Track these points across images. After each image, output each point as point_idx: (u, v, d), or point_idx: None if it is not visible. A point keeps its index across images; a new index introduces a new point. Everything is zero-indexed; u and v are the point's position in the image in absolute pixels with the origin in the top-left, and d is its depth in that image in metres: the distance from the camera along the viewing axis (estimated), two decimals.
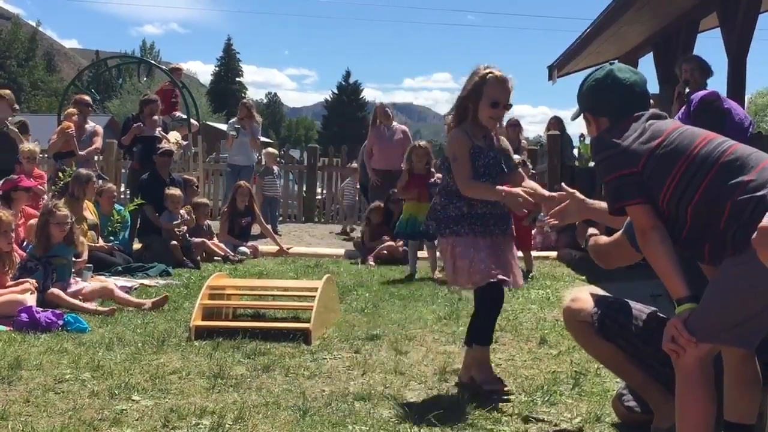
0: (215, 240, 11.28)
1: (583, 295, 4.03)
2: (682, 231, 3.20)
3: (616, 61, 3.64)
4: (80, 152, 11.75)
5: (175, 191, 10.65)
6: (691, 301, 3.10)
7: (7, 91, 11.93)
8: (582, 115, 3.67)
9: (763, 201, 2.97)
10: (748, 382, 3.35)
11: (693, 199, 3.14)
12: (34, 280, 7.07)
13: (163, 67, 17.00)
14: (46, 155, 13.00)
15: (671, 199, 3.19)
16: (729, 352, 3.29)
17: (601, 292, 4.14)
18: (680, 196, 3.17)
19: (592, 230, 4.21)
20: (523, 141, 14.27)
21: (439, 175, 9.52)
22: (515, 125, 14.20)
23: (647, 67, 13.45)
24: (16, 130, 11.21)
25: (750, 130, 3.93)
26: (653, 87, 11.98)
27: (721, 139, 3.27)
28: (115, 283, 8.28)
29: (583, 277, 9.41)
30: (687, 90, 7.17)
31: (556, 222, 4.07)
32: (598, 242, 4.15)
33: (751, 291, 2.97)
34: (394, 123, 13.04)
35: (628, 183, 3.26)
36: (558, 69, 15.50)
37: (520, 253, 9.76)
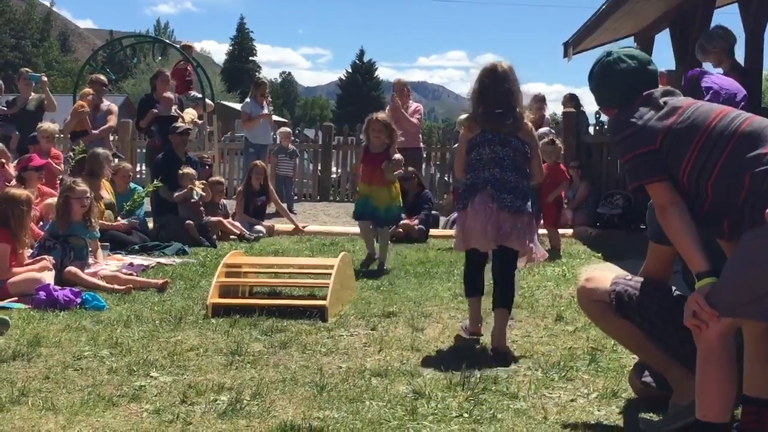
0: (230, 219, 11.30)
1: (597, 274, 4.03)
2: (702, 205, 3.20)
3: (614, 49, 3.66)
4: (93, 131, 11.81)
5: (189, 170, 10.65)
6: (712, 276, 3.10)
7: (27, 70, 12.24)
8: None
9: None
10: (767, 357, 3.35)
11: (713, 173, 3.14)
12: (51, 257, 7.11)
13: (177, 46, 16.97)
14: (61, 135, 13.17)
15: (691, 174, 3.19)
16: (748, 327, 3.29)
17: (617, 269, 4.14)
18: (700, 170, 3.17)
19: None
20: (546, 116, 14.16)
21: (399, 156, 8.75)
22: (540, 100, 14.10)
23: (664, 44, 13.35)
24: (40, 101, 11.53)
25: (743, 103, 3.92)
26: (669, 64, 11.91)
27: (736, 112, 3.28)
28: (131, 261, 8.32)
29: (599, 254, 9.40)
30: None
31: None
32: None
33: None
34: (410, 101, 13.04)
35: (646, 161, 3.27)
36: (573, 46, 15.35)
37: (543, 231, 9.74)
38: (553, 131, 12.17)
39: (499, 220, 5.16)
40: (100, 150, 10.08)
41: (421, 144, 14.03)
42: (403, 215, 10.63)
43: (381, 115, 8.54)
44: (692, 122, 3.24)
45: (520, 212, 5.18)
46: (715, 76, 4.06)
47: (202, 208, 10.54)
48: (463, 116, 5.45)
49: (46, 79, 12.67)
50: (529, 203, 5.27)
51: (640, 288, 3.86)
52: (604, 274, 4.00)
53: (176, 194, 10.43)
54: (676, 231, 3.22)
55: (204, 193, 10.64)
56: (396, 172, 8.69)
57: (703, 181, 3.17)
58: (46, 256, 7.10)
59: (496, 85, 5.27)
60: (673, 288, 3.93)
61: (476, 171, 5.31)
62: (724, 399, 3.15)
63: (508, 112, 5.28)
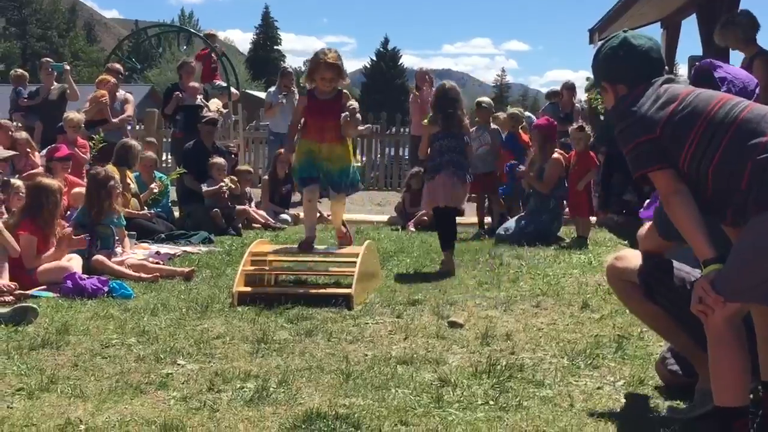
0: (256, 207, 11.33)
1: (629, 253, 4.02)
2: (705, 192, 3.19)
3: (628, 29, 3.64)
4: (113, 119, 11.84)
5: (219, 160, 10.69)
6: (718, 262, 3.11)
7: (49, 59, 12.33)
8: (598, 85, 3.68)
9: None
10: None
11: (712, 160, 3.14)
12: (87, 236, 7.13)
13: (201, 35, 17.01)
14: None
15: (692, 162, 3.19)
16: (758, 313, 3.29)
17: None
18: (700, 158, 3.16)
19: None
20: (576, 104, 14.06)
21: (354, 104, 7.63)
22: (570, 88, 14.02)
23: (691, 30, 13.22)
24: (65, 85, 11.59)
25: (756, 91, 3.88)
26: (696, 50, 11.79)
27: (737, 99, 3.27)
28: (158, 250, 8.37)
29: (625, 242, 9.34)
30: None
31: None
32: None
33: None
34: (432, 88, 13.01)
35: (647, 150, 3.27)
36: (599, 32, 15.24)
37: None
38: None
39: (456, 188, 7.69)
40: (133, 141, 10.14)
41: None
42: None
43: (332, 55, 6.79)
44: (692, 109, 3.23)
45: (467, 182, 7.87)
46: (726, 66, 4.00)
47: (230, 199, 10.56)
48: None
49: (68, 67, 12.74)
50: (469, 175, 7.92)
51: (670, 272, 3.84)
52: (635, 253, 3.98)
53: (205, 190, 10.46)
54: (681, 219, 3.21)
55: (233, 186, 10.66)
56: (362, 128, 8.19)
57: (704, 168, 3.16)
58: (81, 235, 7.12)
59: (446, 95, 7.90)
60: None
61: (439, 156, 7.74)
62: (737, 383, 3.15)
63: (455, 113, 7.79)
